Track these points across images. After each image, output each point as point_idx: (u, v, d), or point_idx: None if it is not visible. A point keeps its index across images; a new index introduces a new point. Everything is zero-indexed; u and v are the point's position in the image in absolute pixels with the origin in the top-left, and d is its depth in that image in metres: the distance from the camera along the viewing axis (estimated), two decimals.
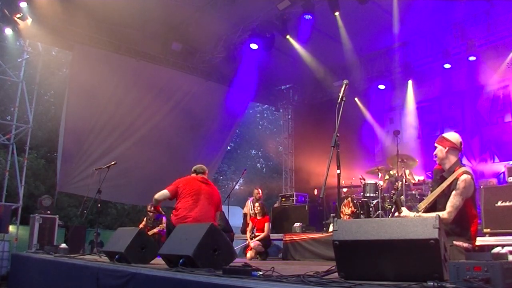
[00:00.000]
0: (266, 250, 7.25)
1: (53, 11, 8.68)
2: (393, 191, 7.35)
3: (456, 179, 3.27)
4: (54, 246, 7.33)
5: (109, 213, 19.47)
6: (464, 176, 3.24)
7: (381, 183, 7.82)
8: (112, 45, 9.63)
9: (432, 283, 1.94)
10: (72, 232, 9.29)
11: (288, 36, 9.45)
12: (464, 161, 8.75)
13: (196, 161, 10.97)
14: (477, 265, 1.94)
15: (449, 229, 3.18)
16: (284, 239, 7.61)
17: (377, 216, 7.33)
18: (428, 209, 3.38)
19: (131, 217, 18.95)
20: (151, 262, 4.32)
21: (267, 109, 27.61)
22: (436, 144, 3.52)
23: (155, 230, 8.19)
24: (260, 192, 8.86)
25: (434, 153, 3.51)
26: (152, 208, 6.53)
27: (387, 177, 7.91)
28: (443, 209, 3.23)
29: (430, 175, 4.94)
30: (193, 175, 5.27)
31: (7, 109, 16.46)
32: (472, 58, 8.75)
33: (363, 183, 7.93)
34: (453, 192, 3.23)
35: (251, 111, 26.78)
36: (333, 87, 10.62)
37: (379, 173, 8.00)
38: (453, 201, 3.21)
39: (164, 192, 5.00)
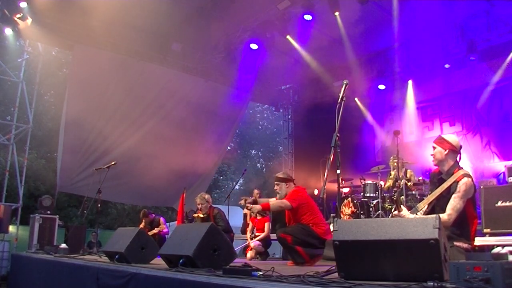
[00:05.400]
0: (266, 250, 7.25)
1: (53, 11, 8.68)
2: (395, 189, 7.37)
3: (456, 182, 3.26)
4: (54, 246, 7.34)
5: (109, 213, 19.50)
6: (465, 179, 3.22)
7: (382, 183, 7.83)
8: (112, 45, 9.63)
9: (432, 283, 1.94)
10: (72, 232, 9.30)
11: (288, 36, 9.45)
12: (464, 161, 8.75)
13: (197, 161, 11.14)
14: (477, 265, 1.94)
15: (450, 231, 3.18)
16: None
17: (377, 216, 7.34)
18: (427, 213, 3.38)
19: (131, 217, 18.96)
20: (151, 262, 4.33)
21: (267, 109, 27.63)
22: (434, 145, 3.49)
23: (155, 230, 8.20)
24: (259, 192, 8.87)
25: (432, 153, 3.50)
26: None
27: (390, 181, 7.92)
28: (442, 211, 3.21)
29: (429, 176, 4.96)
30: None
31: (7, 109, 16.46)
32: (472, 58, 8.76)
33: (363, 183, 7.94)
34: (454, 195, 3.21)
35: (251, 111, 26.78)
36: (333, 87, 10.61)
37: (379, 174, 8.01)
38: (454, 203, 3.19)
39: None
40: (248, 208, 5.05)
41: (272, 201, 5.09)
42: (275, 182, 5.14)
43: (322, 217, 5.05)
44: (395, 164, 7.55)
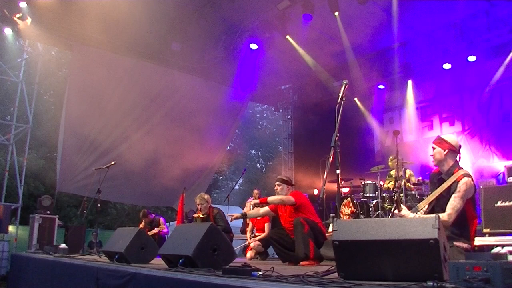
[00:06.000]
0: (266, 250, 7.24)
1: (53, 11, 8.68)
2: (395, 189, 7.38)
3: (456, 182, 3.25)
4: (54, 246, 7.33)
5: (109, 213, 19.50)
6: (465, 179, 3.22)
7: (381, 183, 7.83)
8: (112, 45, 9.62)
9: (432, 283, 1.94)
10: (72, 232, 9.28)
11: (288, 36, 9.45)
12: (464, 161, 8.75)
13: (196, 161, 11.14)
14: (477, 265, 1.93)
15: (450, 231, 3.18)
16: None
17: (377, 216, 7.34)
18: (427, 213, 3.38)
19: (131, 217, 18.98)
20: (150, 262, 4.32)
21: (267, 109, 27.66)
22: (434, 145, 3.50)
23: (155, 230, 8.19)
24: (259, 192, 8.87)
25: (432, 154, 3.50)
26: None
27: (389, 182, 7.91)
28: (442, 211, 3.21)
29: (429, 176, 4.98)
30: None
31: (7, 109, 16.46)
32: (472, 58, 8.76)
33: (363, 183, 7.94)
34: (454, 195, 3.21)
35: (251, 111, 26.82)
36: (333, 87, 10.62)
37: (379, 174, 8.00)
38: (454, 203, 3.19)
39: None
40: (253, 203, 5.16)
41: (271, 197, 5.13)
42: (277, 183, 5.21)
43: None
44: (395, 164, 7.55)
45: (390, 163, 8.06)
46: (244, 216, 5.23)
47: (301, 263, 4.55)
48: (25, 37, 9.52)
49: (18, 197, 9.66)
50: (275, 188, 5.20)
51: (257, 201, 5.15)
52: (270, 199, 5.06)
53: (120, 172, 9.37)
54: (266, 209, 5.32)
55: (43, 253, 6.64)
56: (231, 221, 5.26)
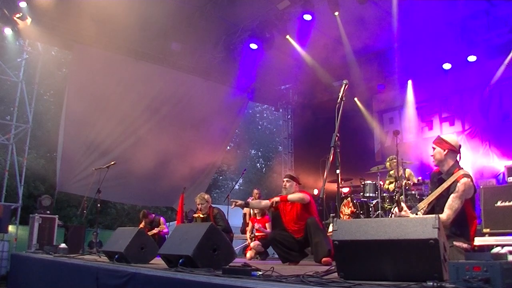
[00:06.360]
0: (266, 250, 7.24)
1: (53, 11, 8.68)
2: (396, 189, 7.37)
3: (456, 181, 3.26)
4: (54, 246, 7.32)
5: (108, 213, 19.49)
6: (464, 179, 3.23)
7: (381, 183, 7.83)
8: (111, 45, 9.62)
9: (431, 283, 1.94)
10: (72, 232, 9.28)
11: (288, 36, 9.45)
12: (463, 161, 8.72)
13: (196, 161, 11.14)
14: (477, 265, 1.93)
15: (450, 231, 3.18)
16: None
17: (377, 216, 7.34)
18: (427, 213, 3.38)
19: (130, 217, 18.96)
20: (150, 262, 4.32)
21: (266, 109, 27.64)
22: (434, 145, 3.50)
23: (155, 230, 8.19)
24: (259, 192, 8.87)
25: (432, 154, 3.50)
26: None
27: (390, 182, 7.91)
28: (442, 211, 3.22)
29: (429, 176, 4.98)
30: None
31: (7, 109, 16.44)
32: (472, 58, 8.76)
33: (363, 183, 7.94)
34: (452, 195, 3.22)
35: (250, 111, 26.80)
36: (333, 87, 10.61)
37: (378, 174, 8.00)
38: (452, 203, 3.19)
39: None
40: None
41: (291, 194, 5.12)
42: (286, 179, 5.22)
43: None
44: (394, 164, 7.55)
45: (387, 164, 8.06)
46: (246, 205, 5.29)
47: (324, 259, 4.55)
48: (25, 37, 9.51)
49: (18, 197, 9.65)
50: (284, 184, 5.20)
51: (277, 199, 5.13)
52: (290, 197, 5.04)
53: (120, 172, 9.37)
54: (267, 202, 5.33)
55: (43, 253, 6.63)
56: (233, 207, 5.26)
